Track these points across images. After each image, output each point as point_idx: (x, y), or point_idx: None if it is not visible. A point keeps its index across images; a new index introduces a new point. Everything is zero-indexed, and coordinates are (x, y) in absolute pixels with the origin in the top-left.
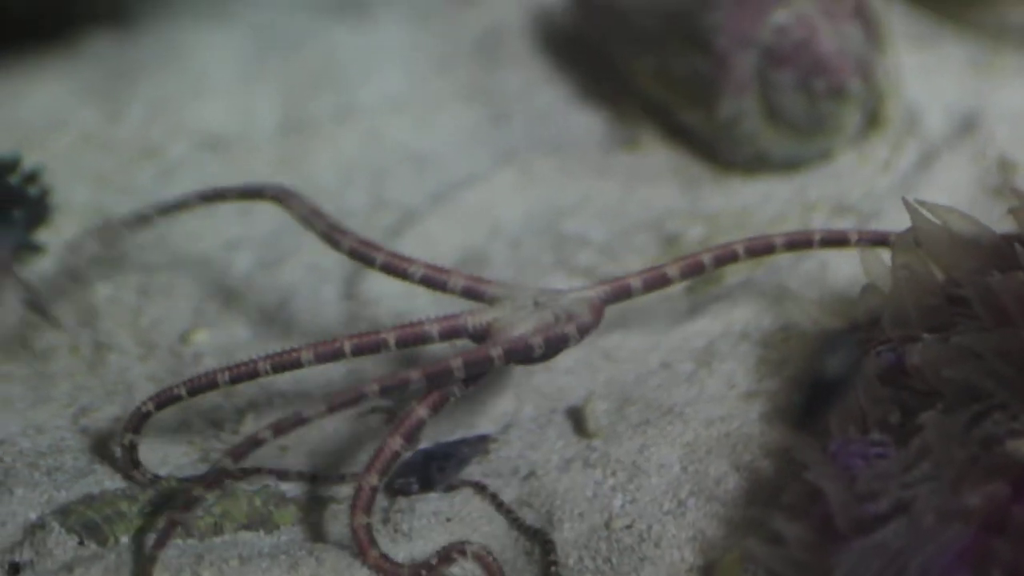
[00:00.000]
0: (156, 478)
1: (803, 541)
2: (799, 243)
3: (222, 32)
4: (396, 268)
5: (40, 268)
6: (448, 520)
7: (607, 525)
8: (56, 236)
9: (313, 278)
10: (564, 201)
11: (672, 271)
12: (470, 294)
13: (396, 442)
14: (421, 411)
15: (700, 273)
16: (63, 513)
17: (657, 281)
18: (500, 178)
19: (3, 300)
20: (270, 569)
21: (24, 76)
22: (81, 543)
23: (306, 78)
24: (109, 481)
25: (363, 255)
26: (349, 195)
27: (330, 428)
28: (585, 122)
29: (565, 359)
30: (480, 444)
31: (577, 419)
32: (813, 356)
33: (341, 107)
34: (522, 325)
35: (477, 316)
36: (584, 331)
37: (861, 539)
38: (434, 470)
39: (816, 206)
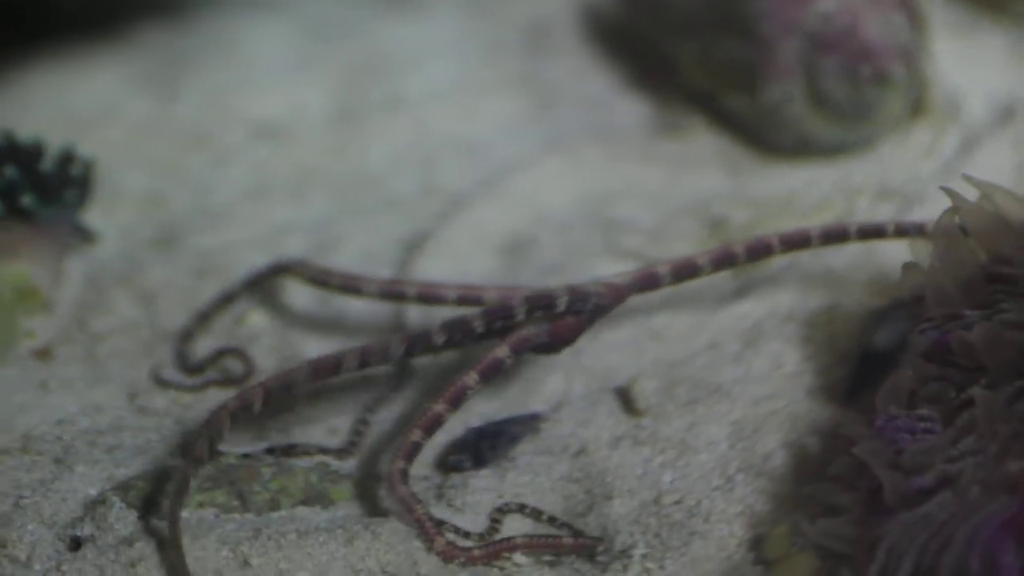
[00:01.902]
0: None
1: (850, 514)
2: (835, 236)
3: (273, 22)
4: (430, 295)
5: (97, 251)
6: (500, 496)
7: (657, 501)
8: (112, 221)
9: (365, 262)
10: (611, 187)
11: (703, 261)
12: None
13: (442, 405)
14: (469, 378)
15: (732, 265)
16: (124, 489)
17: (687, 271)
18: (548, 165)
19: (61, 282)
20: (327, 543)
21: (78, 67)
22: (142, 518)
23: (356, 67)
24: (167, 458)
25: (394, 293)
26: (399, 182)
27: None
28: (631, 109)
29: (614, 337)
30: (531, 422)
31: (626, 398)
32: (860, 333)
33: (391, 96)
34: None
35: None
36: (602, 303)
37: (907, 512)
38: (485, 448)
39: (860, 191)
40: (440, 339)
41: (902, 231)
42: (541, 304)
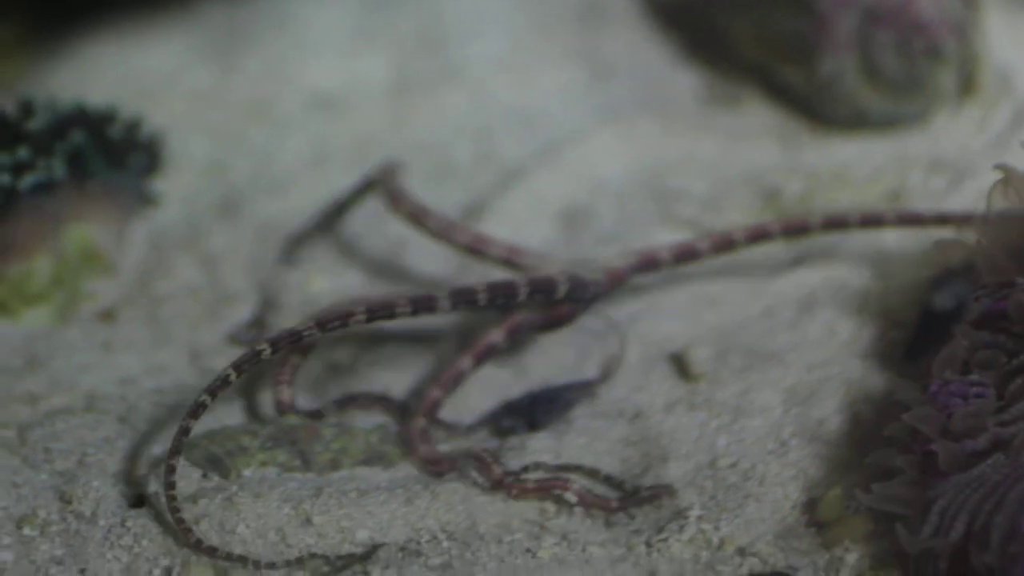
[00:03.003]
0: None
1: (905, 476)
2: (872, 221)
3: None
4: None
5: (160, 217)
6: (558, 457)
7: (712, 464)
8: (174, 187)
9: None
10: (666, 157)
11: (703, 245)
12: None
13: (466, 361)
14: (495, 336)
15: (732, 250)
16: (187, 447)
17: (687, 255)
18: (604, 135)
19: (125, 246)
20: (388, 502)
21: (140, 37)
22: (205, 476)
23: (413, 38)
24: (230, 418)
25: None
26: (456, 152)
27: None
28: (686, 81)
29: (670, 304)
30: (585, 388)
31: (681, 363)
32: (917, 299)
33: (448, 66)
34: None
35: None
36: (599, 291)
37: (960, 474)
38: (540, 412)
39: (913, 163)
40: (446, 304)
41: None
42: (542, 289)
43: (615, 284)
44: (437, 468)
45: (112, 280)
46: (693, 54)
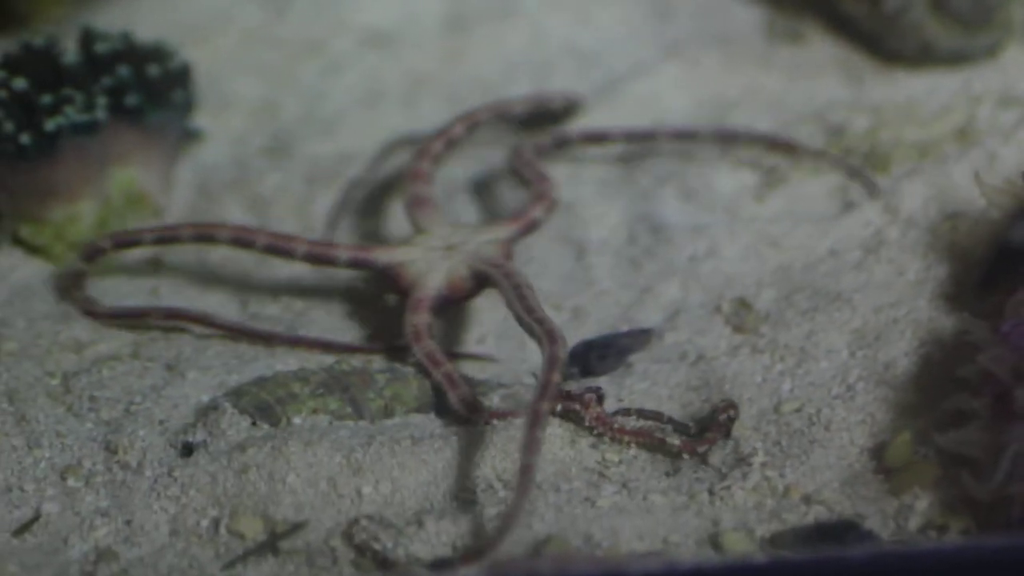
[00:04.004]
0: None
1: (980, 420)
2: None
3: None
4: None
5: (208, 158)
6: (620, 401)
7: (776, 409)
8: (223, 128)
9: (481, 170)
10: (729, 93)
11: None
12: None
13: (423, 316)
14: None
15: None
16: (236, 395)
17: (553, 208)
18: (665, 71)
19: (171, 188)
20: (442, 450)
21: None
22: (254, 424)
23: None
24: (281, 364)
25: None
26: (513, 89)
27: None
28: (748, 16)
29: (732, 247)
30: (641, 336)
31: (744, 306)
32: (987, 237)
33: (503, 3)
34: (433, 276)
35: (389, 253)
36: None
37: None
38: (594, 359)
39: (981, 99)
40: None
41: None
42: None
43: (508, 257)
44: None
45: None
46: None
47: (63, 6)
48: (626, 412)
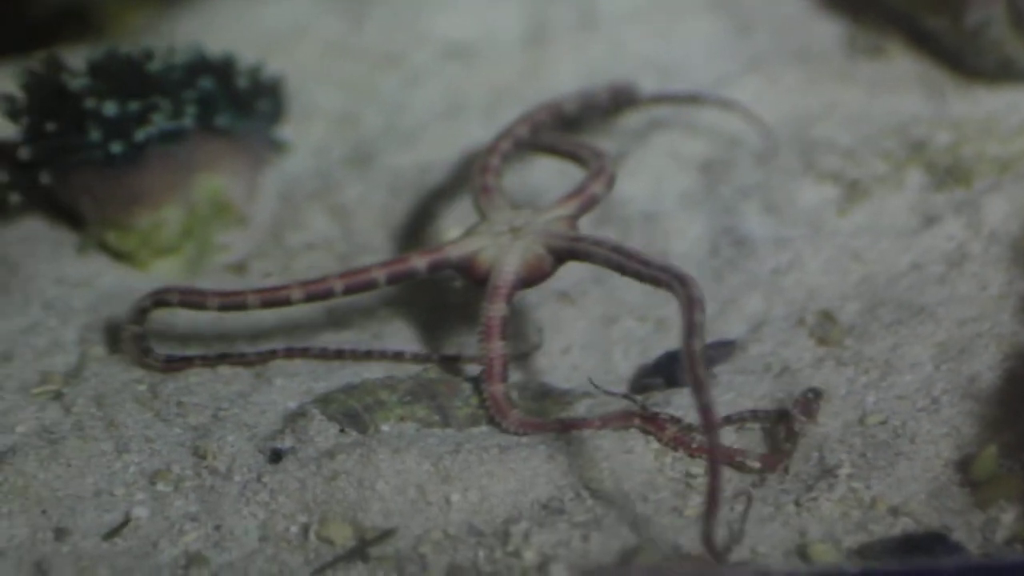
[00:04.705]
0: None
1: None
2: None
3: None
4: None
5: (291, 168)
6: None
7: (861, 421)
8: (304, 139)
9: (562, 180)
10: (809, 108)
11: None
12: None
13: (500, 307)
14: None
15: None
16: (324, 402)
17: (612, 182)
18: (745, 86)
19: (256, 197)
20: (529, 458)
21: None
22: (342, 431)
23: None
24: (367, 372)
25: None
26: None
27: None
28: (828, 31)
29: (815, 261)
30: (726, 348)
31: (828, 318)
32: None
33: (583, 16)
34: (509, 259)
35: (459, 247)
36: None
37: None
38: (678, 370)
39: None
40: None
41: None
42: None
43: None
44: (537, 431)
45: (243, 232)
46: (833, 3)
47: (142, 15)
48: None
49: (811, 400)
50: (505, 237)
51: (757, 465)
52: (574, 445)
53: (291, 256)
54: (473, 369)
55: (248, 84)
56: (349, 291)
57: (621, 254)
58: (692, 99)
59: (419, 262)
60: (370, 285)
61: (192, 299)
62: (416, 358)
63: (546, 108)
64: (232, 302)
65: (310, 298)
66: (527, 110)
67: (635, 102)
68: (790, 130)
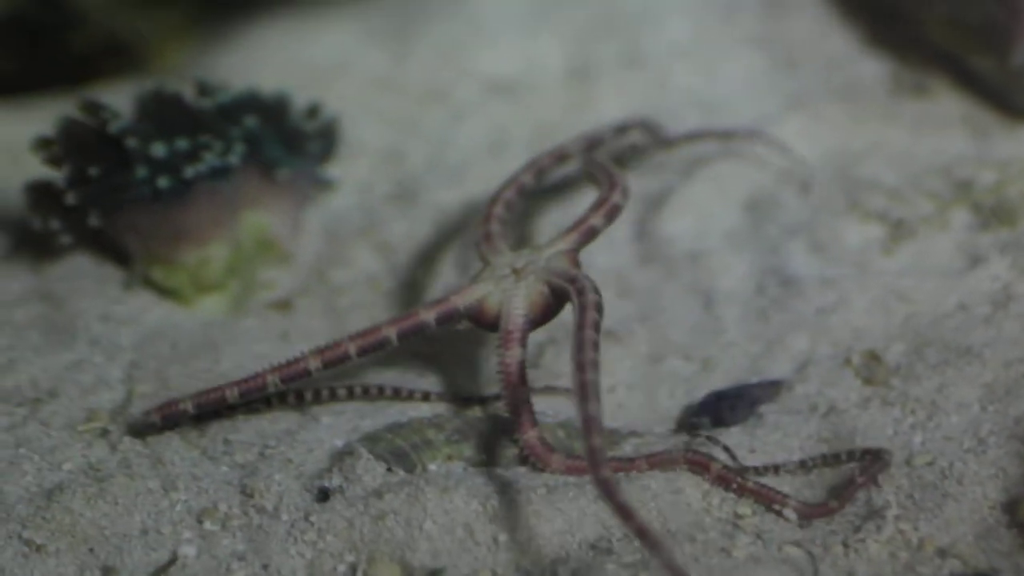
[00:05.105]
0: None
1: None
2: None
3: None
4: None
5: (335, 204)
6: (752, 451)
7: (908, 462)
8: (349, 174)
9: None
10: (854, 146)
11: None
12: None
13: (515, 352)
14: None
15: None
16: (371, 440)
17: (614, 213)
18: (789, 123)
19: (300, 234)
20: (577, 498)
21: (313, 20)
22: (389, 470)
23: (591, 22)
24: (414, 411)
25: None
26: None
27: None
28: (872, 69)
29: (861, 300)
30: (772, 387)
31: (874, 359)
32: None
33: (626, 53)
34: (515, 303)
35: (465, 296)
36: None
37: None
38: (725, 409)
39: None
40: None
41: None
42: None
43: (576, 266)
44: (583, 474)
45: (287, 269)
46: (877, 41)
47: (185, 50)
48: (770, 469)
49: (874, 465)
50: (508, 280)
51: (793, 514)
52: (621, 485)
53: (335, 293)
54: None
55: (301, 124)
56: (363, 352)
57: (579, 319)
58: (726, 135)
59: (427, 315)
60: (383, 344)
61: (210, 399)
62: (439, 398)
63: (551, 154)
64: (253, 386)
65: (327, 365)
66: (533, 157)
67: (660, 140)
68: (834, 168)
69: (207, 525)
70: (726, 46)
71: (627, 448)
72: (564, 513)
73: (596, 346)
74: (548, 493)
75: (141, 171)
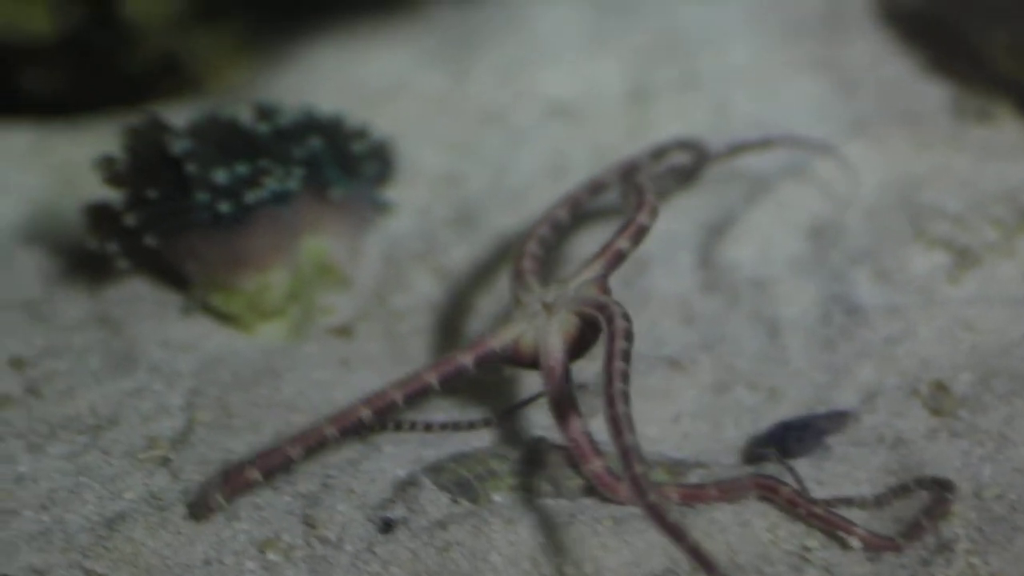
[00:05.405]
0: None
1: None
2: None
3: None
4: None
5: (393, 228)
6: (820, 484)
7: (977, 495)
8: (407, 197)
9: (669, 245)
10: (917, 172)
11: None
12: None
13: (563, 387)
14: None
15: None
16: (435, 470)
17: (641, 235)
18: (851, 148)
19: (359, 258)
20: (644, 531)
21: (370, 41)
22: (454, 501)
23: (650, 45)
24: (478, 440)
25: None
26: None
27: None
28: (935, 94)
29: (927, 330)
30: (839, 418)
31: (942, 389)
32: None
33: (687, 75)
34: (551, 340)
35: (500, 337)
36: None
37: None
38: (792, 440)
39: None
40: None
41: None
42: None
43: (606, 292)
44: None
45: (347, 293)
46: (940, 66)
47: (240, 70)
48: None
49: (939, 507)
50: (540, 317)
51: (858, 544)
52: (689, 517)
53: (395, 319)
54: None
55: (357, 146)
56: (409, 399)
57: (609, 350)
58: (763, 144)
59: (466, 359)
60: (427, 390)
61: (273, 462)
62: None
63: (586, 187)
64: (313, 442)
65: (378, 413)
66: (568, 190)
67: (704, 157)
68: (898, 194)
69: (270, 556)
70: (786, 70)
71: (693, 479)
72: (631, 545)
73: (626, 376)
74: (615, 524)
75: (201, 196)
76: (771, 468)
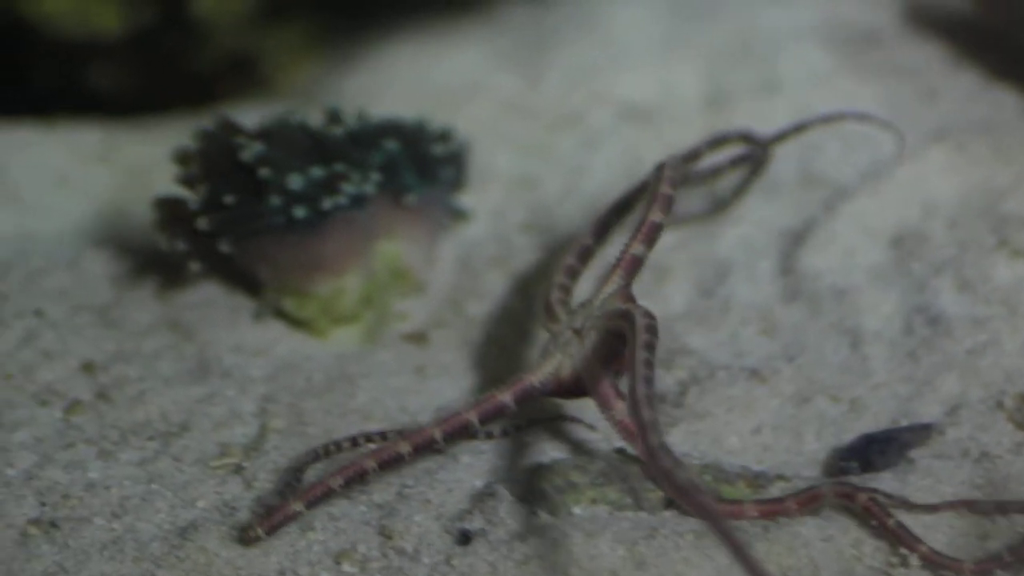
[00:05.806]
0: None
1: None
2: None
3: (638, 1)
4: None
5: (467, 233)
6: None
7: None
8: (480, 201)
9: (749, 253)
10: (998, 180)
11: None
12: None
13: (620, 408)
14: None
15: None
16: (513, 482)
17: (653, 237)
18: (931, 155)
19: (434, 264)
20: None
21: (442, 42)
22: (533, 513)
23: (726, 48)
24: (556, 452)
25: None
26: (779, 168)
27: None
28: (1016, 102)
29: (1012, 341)
30: (922, 432)
31: None
32: None
33: (763, 79)
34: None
35: (539, 373)
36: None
37: None
38: (875, 453)
39: None
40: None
41: None
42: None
43: (630, 300)
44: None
45: (421, 299)
46: (1008, 75)
47: (309, 70)
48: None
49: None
50: (574, 345)
51: (919, 560)
52: (772, 532)
53: (470, 326)
54: None
55: (435, 150)
56: (449, 437)
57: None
58: (800, 127)
59: (506, 397)
60: (467, 428)
61: (352, 473)
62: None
63: (611, 208)
64: (353, 474)
65: (417, 450)
66: (595, 214)
67: (756, 144)
68: (980, 203)
69: (345, 567)
70: (864, 76)
71: (774, 492)
72: (713, 560)
73: (649, 381)
74: (696, 539)
75: (275, 200)
76: (855, 481)
